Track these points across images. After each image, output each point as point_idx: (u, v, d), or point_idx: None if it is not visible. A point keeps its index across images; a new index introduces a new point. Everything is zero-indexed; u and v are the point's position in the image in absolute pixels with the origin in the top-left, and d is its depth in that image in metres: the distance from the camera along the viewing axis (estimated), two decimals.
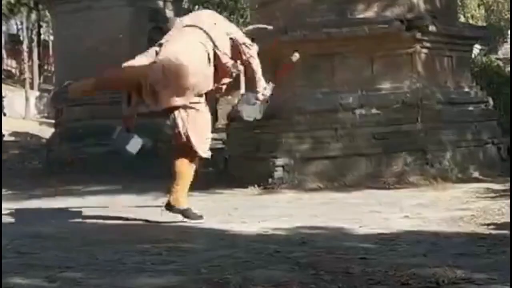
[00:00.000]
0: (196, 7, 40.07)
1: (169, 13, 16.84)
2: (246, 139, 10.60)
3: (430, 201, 7.41)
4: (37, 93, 36.35)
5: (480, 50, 23.63)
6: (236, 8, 36.43)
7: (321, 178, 9.65)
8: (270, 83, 6.58)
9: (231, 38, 6.39)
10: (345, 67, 10.10)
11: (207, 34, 6.27)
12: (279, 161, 9.73)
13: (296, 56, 7.00)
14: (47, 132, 26.21)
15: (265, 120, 10.09)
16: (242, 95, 6.56)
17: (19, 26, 45.39)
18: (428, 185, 9.11)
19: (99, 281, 3.78)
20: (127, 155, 6.58)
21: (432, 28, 10.02)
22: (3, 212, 7.63)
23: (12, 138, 26.45)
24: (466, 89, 10.93)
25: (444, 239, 4.87)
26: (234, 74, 6.41)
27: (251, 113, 6.56)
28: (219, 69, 6.33)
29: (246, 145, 10.58)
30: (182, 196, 6.40)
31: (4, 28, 44.66)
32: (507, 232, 4.94)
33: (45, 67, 43.20)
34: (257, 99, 6.50)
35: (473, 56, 15.08)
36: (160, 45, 6.38)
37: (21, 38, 41.65)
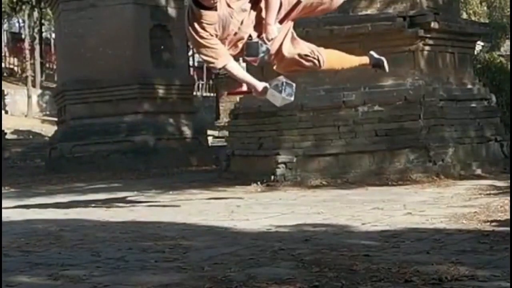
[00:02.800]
0: None
1: (171, 11, 16.86)
2: (249, 137, 10.61)
3: (433, 198, 7.40)
4: (39, 91, 36.38)
5: (483, 47, 23.62)
6: None
7: (324, 175, 9.65)
8: (278, 24, 6.36)
9: None
10: None
11: None
12: (282, 158, 9.73)
13: None
14: (49, 130, 26.27)
15: (268, 117, 10.15)
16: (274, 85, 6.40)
17: (21, 24, 45.45)
18: (431, 182, 9.11)
19: (102, 279, 3.79)
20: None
21: (434, 25, 10.01)
22: (6, 210, 7.65)
23: (15, 136, 26.49)
24: (469, 86, 10.91)
25: (447, 236, 4.86)
26: None
27: (285, 95, 6.38)
28: None
29: (249, 143, 10.59)
30: None
31: (6, 26, 44.77)
32: (509, 229, 4.93)
33: (47, 65, 43.22)
34: (265, 45, 6.26)
35: (475, 53, 15.08)
36: None
37: (23, 36, 41.67)
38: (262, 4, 6.24)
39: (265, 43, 6.26)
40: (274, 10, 6.23)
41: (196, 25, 6.14)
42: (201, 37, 6.15)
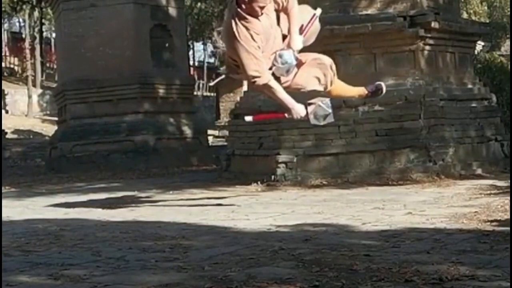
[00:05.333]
0: (199, 4, 40.14)
1: (172, 10, 16.87)
2: (249, 136, 10.61)
3: (433, 198, 7.40)
4: (40, 91, 36.40)
5: (483, 46, 23.61)
6: None
7: (324, 175, 9.65)
8: (301, 35, 6.22)
9: None
10: (348, 64, 10.09)
11: None
12: (282, 158, 9.73)
13: (319, 10, 6.50)
14: (49, 129, 26.28)
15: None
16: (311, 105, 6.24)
17: (22, 24, 45.47)
18: (431, 181, 9.11)
19: (102, 278, 3.79)
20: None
21: (434, 24, 10.01)
22: (6, 209, 7.65)
23: (15, 136, 26.49)
24: (469, 86, 10.92)
25: (447, 236, 4.86)
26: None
27: (323, 113, 6.32)
28: None
29: (249, 142, 10.59)
30: None
31: (6, 25, 44.79)
32: (510, 229, 4.93)
33: (48, 64, 43.24)
34: (296, 58, 6.03)
35: (476, 52, 15.07)
36: None
37: (24, 35, 41.71)
38: (283, 19, 6.11)
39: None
40: (297, 21, 6.10)
41: (245, 32, 5.82)
42: (253, 47, 5.82)
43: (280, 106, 6.43)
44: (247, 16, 5.80)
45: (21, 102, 34.14)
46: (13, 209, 8.04)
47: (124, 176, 13.45)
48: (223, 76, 7.12)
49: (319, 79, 6.36)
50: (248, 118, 6.76)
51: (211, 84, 7.59)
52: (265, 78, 5.95)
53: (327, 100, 6.32)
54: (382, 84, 6.86)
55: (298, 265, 3.95)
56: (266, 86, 6.03)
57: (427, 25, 9.97)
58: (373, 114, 9.83)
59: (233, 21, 5.86)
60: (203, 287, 3.51)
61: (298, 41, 6.10)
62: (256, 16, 5.82)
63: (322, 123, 6.54)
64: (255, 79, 5.97)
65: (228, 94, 28.06)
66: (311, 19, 6.30)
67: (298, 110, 6.20)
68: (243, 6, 5.80)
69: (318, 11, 6.39)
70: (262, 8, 5.79)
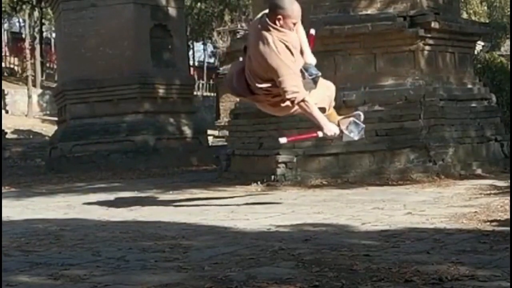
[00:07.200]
0: (199, 4, 40.15)
1: (172, 10, 16.87)
2: (249, 136, 10.61)
3: (433, 198, 7.40)
4: (40, 91, 36.41)
5: (483, 46, 23.61)
6: (238, 6, 36.46)
7: (324, 175, 9.65)
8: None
9: None
10: (348, 64, 10.10)
11: None
12: (282, 158, 9.73)
13: (312, 30, 6.46)
14: (49, 129, 26.30)
15: (268, 116, 10.14)
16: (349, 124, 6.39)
17: (22, 24, 45.48)
18: (431, 181, 9.11)
19: (102, 278, 3.79)
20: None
21: (434, 24, 10.01)
22: (6, 209, 7.65)
23: (15, 136, 26.51)
24: (469, 86, 10.91)
25: (447, 236, 4.86)
26: None
27: (355, 131, 6.42)
28: None
29: (249, 142, 10.59)
30: None
31: (6, 25, 44.80)
32: (510, 229, 4.93)
33: (48, 64, 43.25)
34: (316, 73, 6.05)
35: (476, 52, 15.07)
36: None
37: (24, 35, 41.72)
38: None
39: None
40: (305, 38, 6.14)
41: (283, 46, 5.77)
42: (291, 61, 5.78)
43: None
44: (283, 29, 5.77)
45: (21, 102, 34.15)
46: (13, 209, 8.04)
47: (124, 176, 13.45)
48: (268, 85, 7.18)
49: (329, 98, 6.42)
50: (283, 140, 6.77)
51: (260, 86, 7.63)
52: (303, 93, 5.85)
53: (357, 114, 6.47)
54: (360, 112, 6.84)
55: (298, 265, 3.95)
56: (302, 102, 5.92)
57: (427, 25, 9.97)
58: (373, 114, 9.82)
59: (268, 34, 5.77)
60: (203, 287, 3.51)
61: (312, 56, 6.14)
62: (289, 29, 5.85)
63: (356, 138, 6.61)
64: (295, 95, 5.83)
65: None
66: (309, 38, 6.34)
67: (331, 127, 6.18)
68: (277, 23, 5.77)
69: (312, 31, 6.45)
70: (294, 24, 5.82)
